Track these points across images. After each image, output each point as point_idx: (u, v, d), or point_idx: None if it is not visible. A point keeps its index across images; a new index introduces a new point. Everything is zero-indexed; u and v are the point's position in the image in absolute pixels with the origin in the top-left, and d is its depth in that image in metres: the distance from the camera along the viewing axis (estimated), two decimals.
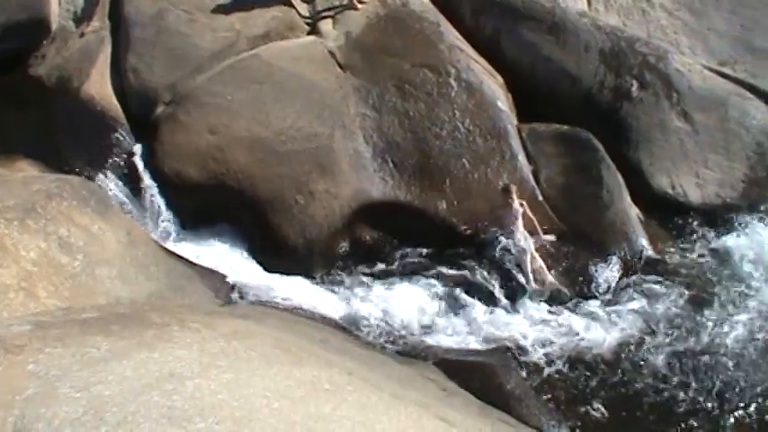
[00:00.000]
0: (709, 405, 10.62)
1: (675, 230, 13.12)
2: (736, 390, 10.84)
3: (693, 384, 10.86)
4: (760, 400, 10.71)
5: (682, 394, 10.74)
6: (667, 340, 11.44)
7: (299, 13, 14.90)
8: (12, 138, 12.88)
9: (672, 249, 12.86)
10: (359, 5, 14.79)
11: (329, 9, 14.99)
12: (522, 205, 12.34)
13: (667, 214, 13.29)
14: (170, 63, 13.78)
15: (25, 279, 8.76)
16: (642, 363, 11.13)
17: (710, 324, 11.69)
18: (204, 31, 14.23)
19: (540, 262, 12.19)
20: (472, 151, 13.14)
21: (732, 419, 10.46)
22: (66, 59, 13.88)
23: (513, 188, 12.37)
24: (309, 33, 14.77)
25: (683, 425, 10.39)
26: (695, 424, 10.41)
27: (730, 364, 11.14)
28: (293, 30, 14.83)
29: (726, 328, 11.62)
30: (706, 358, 11.21)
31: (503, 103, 13.82)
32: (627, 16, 14.92)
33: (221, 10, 14.55)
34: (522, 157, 13.28)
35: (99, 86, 13.55)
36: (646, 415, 10.54)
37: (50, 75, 13.72)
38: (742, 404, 10.65)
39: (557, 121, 13.84)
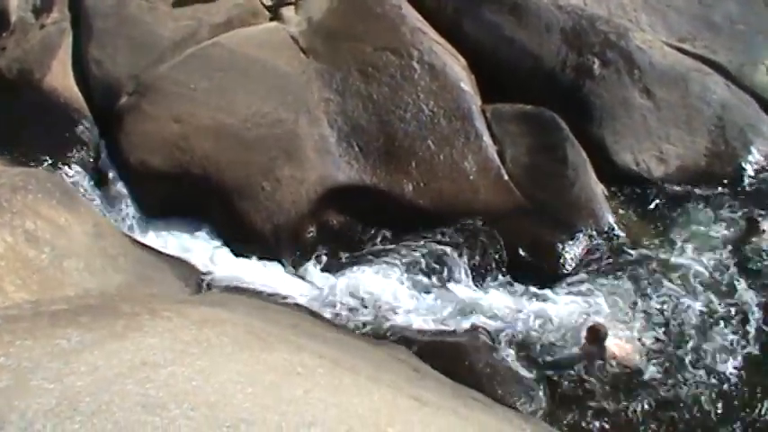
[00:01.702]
0: (675, 379, 10.75)
1: (640, 206, 13.22)
2: (699, 361, 10.98)
3: (660, 360, 10.98)
4: (722, 372, 10.87)
5: (649, 370, 10.87)
6: (634, 315, 11.53)
7: (262, 2, 14.86)
8: None
9: (637, 224, 12.96)
10: None
11: None
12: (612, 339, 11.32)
13: (632, 190, 13.40)
14: (132, 53, 13.71)
15: None
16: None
17: (676, 298, 11.79)
18: (166, 19, 14.15)
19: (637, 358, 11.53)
20: (437, 133, 13.16)
21: (697, 392, 10.61)
22: (27, 52, 13.78)
23: (602, 327, 11.20)
24: (272, 20, 14.73)
25: (649, 400, 10.51)
26: (661, 399, 10.54)
27: (695, 336, 11.27)
28: (255, 16, 14.80)
29: (691, 302, 11.73)
30: (674, 332, 11.32)
31: (466, 84, 13.82)
32: None
33: None
34: (486, 138, 13.29)
35: (61, 78, 13.49)
36: (613, 390, 10.65)
37: (11, 67, 13.62)
38: (707, 375, 10.81)
39: (520, 100, 13.85)
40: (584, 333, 11.11)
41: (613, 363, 10.91)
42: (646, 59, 14.08)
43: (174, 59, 13.67)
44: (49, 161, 12.60)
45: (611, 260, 12.35)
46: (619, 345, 11.05)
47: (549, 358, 11.07)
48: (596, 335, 10.92)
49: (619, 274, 12.14)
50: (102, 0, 14.26)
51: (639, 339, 11.32)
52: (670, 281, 12.06)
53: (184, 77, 13.36)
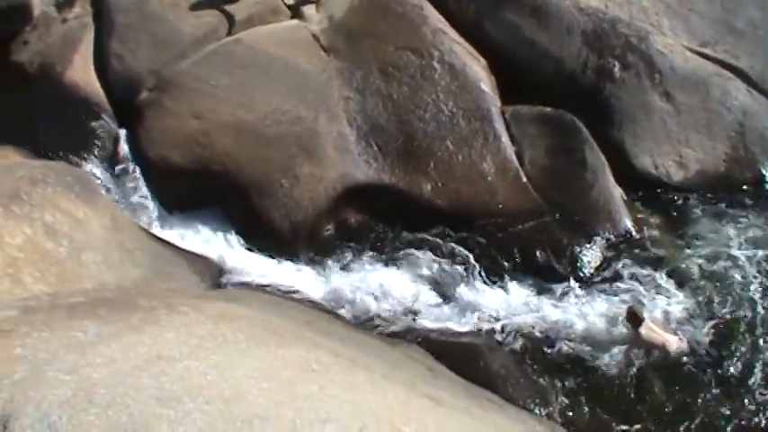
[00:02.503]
0: (696, 384, 10.75)
1: (659, 210, 13.19)
2: (719, 366, 10.98)
3: (679, 365, 10.96)
4: (741, 376, 10.85)
5: (666, 375, 10.84)
6: (652, 319, 11.48)
7: (284, 1, 14.88)
8: None
9: (655, 229, 12.92)
10: None
11: None
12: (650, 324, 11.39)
13: (650, 194, 13.37)
14: (153, 48, 13.72)
15: (11, 265, 8.78)
16: (623, 343, 11.18)
17: (694, 303, 11.75)
18: (187, 16, 14.18)
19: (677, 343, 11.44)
20: (456, 133, 13.15)
21: (716, 393, 10.62)
22: (49, 46, 13.80)
23: (639, 309, 11.45)
24: (293, 17, 14.74)
25: (666, 406, 10.50)
26: (679, 405, 10.52)
27: (714, 341, 11.24)
28: (276, 14, 14.79)
29: (710, 307, 11.70)
30: (694, 337, 11.29)
31: (486, 85, 13.81)
32: None
33: None
34: (505, 139, 13.28)
35: (82, 72, 13.51)
36: (628, 394, 10.63)
37: (33, 61, 13.65)
38: (725, 380, 10.81)
39: (540, 102, 13.83)
40: (622, 317, 11.34)
41: (648, 347, 11.10)
42: (667, 63, 14.02)
43: (194, 56, 13.68)
44: (69, 155, 12.64)
45: (627, 264, 12.30)
46: (655, 329, 11.12)
47: (584, 347, 11.12)
48: (635, 317, 11.11)
49: (636, 277, 12.09)
50: None
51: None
52: (688, 286, 12.02)
53: (205, 74, 13.37)
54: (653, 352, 11.00)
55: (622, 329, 11.28)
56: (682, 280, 12.08)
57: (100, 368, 5.91)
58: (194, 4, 14.31)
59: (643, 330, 11.06)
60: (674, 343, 11.13)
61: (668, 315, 11.59)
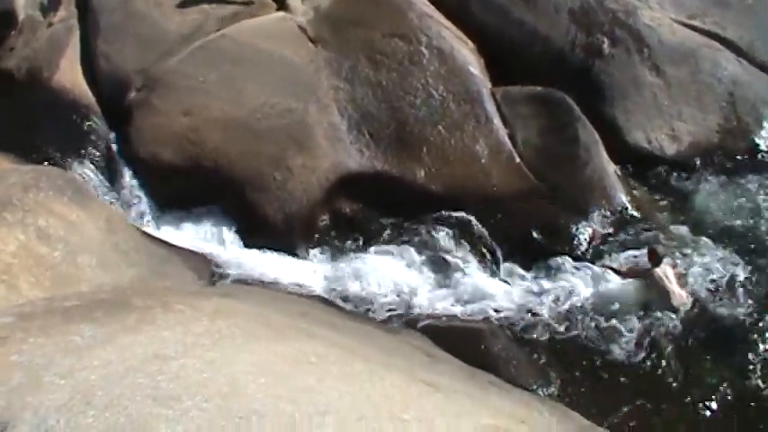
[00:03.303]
0: (692, 365, 10.77)
1: (653, 184, 13.19)
2: (713, 346, 11.02)
3: (674, 344, 10.96)
4: (740, 353, 10.90)
5: (664, 354, 10.85)
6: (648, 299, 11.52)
7: None
8: None
9: (651, 203, 12.93)
10: None
11: None
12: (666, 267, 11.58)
13: (644, 168, 13.37)
14: (140, 48, 13.78)
15: (6, 272, 8.76)
16: (624, 324, 11.18)
17: (694, 275, 11.75)
18: (172, 13, 14.22)
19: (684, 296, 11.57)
20: (447, 117, 13.15)
21: (709, 376, 10.65)
22: (35, 50, 13.85)
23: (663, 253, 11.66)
24: (278, 10, 14.72)
25: (663, 387, 10.51)
26: (674, 386, 10.53)
27: (711, 317, 11.26)
28: (262, 8, 14.84)
29: (707, 281, 11.69)
30: (690, 313, 11.29)
31: (475, 67, 13.81)
32: None
33: None
34: (497, 121, 13.28)
35: (70, 75, 13.55)
36: (630, 373, 10.64)
37: (20, 66, 13.69)
38: (721, 359, 10.83)
39: (530, 82, 13.83)
40: (644, 256, 11.60)
41: (654, 290, 11.33)
42: (655, 37, 14.03)
43: (181, 53, 13.70)
44: (60, 158, 12.64)
45: (624, 240, 12.31)
46: (669, 275, 11.31)
47: (584, 326, 11.18)
48: (655, 256, 11.35)
49: (634, 253, 12.07)
50: None
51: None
52: (686, 257, 12.00)
53: (193, 70, 13.39)
54: (656, 333, 11.01)
55: (623, 301, 11.31)
56: (680, 253, 12.05)
57: (96, 370, 5.89)
58: (180, 1, 14.30)
59: (658, 270, 11.27)
60: (678, 297, 11.26)
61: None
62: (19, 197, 9.75)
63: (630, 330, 11.06)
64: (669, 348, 10.88)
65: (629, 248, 12.21)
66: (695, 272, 11.83)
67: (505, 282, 11.87)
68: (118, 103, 13.33)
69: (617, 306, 11.36)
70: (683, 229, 12.51)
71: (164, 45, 13.78)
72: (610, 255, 12.20)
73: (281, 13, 14.58)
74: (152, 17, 14.15)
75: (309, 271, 12.02)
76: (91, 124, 13.17)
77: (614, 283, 11.67)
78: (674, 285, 11.26)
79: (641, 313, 11.29)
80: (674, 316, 11.15)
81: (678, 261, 11.86)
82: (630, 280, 11.58)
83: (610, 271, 11.80)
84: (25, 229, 9.40)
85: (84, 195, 10.78)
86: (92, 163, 12.81)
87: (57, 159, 12.61)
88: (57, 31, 14.17)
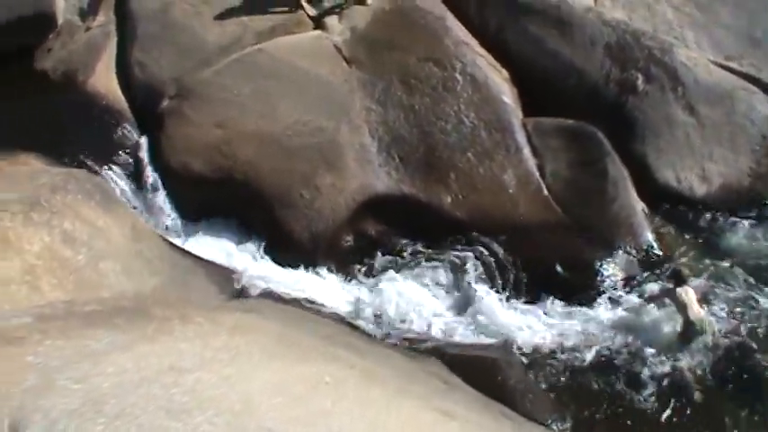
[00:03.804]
0: (714, 405, 10.67)
1: (681, 224, 13.05)
2: (738, 388, 10.88)
3: (697, 384, 10.86)
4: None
5: (686, 393, 10.76)
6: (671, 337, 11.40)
7: (307, 14, 14.89)
8: (17, 131, 12.86)
9: (677, 243, 12.80)
10: (368, 0, 14.79)
11: (337, 6, 14.97)
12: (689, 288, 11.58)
13: (673, 208, 13.22)
14: (176, 57, 13.86)
15: (29, 272, 8.80)
16: (645, 360, 11.09)
17: (715, 321, 11.61)
18: (211, 25, 14.31)
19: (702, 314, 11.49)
20: (477, 145, 13.11)
21: (735, 418, 10.51)
22: (72, 53, 13.96)
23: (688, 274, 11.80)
24: (315, 28, 14.76)
25: (683, 428, 10.40)
26: (696, 426, 10.42)
27: (735, 361, 11.13)
28: (299, 25, 14.84)
29: (731, 325, 11.55)
30: (711, 356, 11.17)
31: (507, 97, 13.78)
32: (633, 11, 14.84)
33: (228, 4, 14.57)
34: (527, 151, 13.22)
35: (104, 80, 13.63)
36: (647, 411, 10.55)
37: (56, 69, 13.79)
38: (747, 403, 10.69)
39: (562, 115, 13.75)
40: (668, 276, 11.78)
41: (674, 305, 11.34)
42: (690, 76, 13.90)
43: (217, 64, 13.75)
44: (90, 162, 12.65)
45: (648, 278, 12.20)
46: (690, 294, 11.26)
47: (602, 363, 11.10)
48: (679, 276, 11.45)
49: (656, 292, 11.97)
50: (146, 5, 14.50)
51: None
52: (708, 303, 11.84)
53: (228, 83, 13.44)
54: (678, 371, 10.93)
55: (645, 338, 11.26)
56: (703, 295, 11.92)
57: (111, 378, 5.90)
58: (219, 13, 14.37)
59: (680, 289, 11.25)
60: (696, 313, 11.18)
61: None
62: (47, 198, 9.82)
63: (651, 368, 10.98)
64: (691, 388, 10.80)
65: (651, 289, 12.08)
66: (720, 312, 11.69)
67: (526, 313, 11.78)
68: (150, 111, 13.39)
69: (638, 343, 11.27)
70: (710, 270, 12.37)
71: (201, 55, 13.86)
72: (632, 291, 12.08)
73: (317, 32, 14.62)
74: (191, 27, 14.23)
75: (332, 290, 12.01)
76: (122, 130, 13.21)
77: (636, 319, 11.59)
78: (693, 303, 11.20)
79: (663, 351, 11.20)
80: (698, 354, 11.07)
81: (701, 282, 11.90)
82: (651, 316, 11.51)
83: (632, 300, 11.75)
84: (51, 231, 9.45)
85: (111, 201, 10.84)
86: (121, 169, 12.84)
87: (86, 163, 12.62)
88: (94, 35, 14.29)
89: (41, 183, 10.22)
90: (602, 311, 11.77)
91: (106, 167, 12.68)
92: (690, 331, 11.15)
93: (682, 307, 11.17)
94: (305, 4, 14.94)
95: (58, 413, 5.41)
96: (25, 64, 13.88)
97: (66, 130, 13.09)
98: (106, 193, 10.99)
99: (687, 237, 12.91)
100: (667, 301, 11.48)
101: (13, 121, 13.03)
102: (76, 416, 5.40)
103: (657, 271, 12.33)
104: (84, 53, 13.92)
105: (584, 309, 11.79)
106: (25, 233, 9.18)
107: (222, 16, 14.48)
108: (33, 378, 5.77)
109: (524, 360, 11.05)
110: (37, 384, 5.70)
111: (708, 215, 13.14)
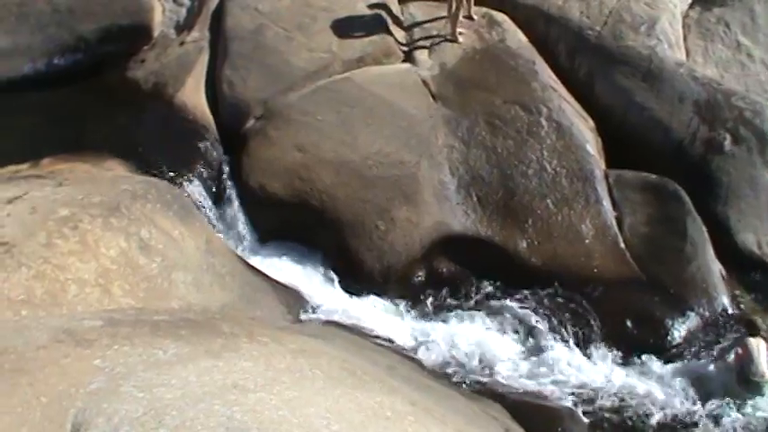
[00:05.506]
0: None
1: (759, 290, 12.81)
2: None
3: None
4: None
5: None
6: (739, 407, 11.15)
7: (397, 40, 14.97)
8: (104, 137, 13.06)
9: (754, 309, 12.53)
10: (460, 38, 14.84)
11: (427, 38, 15.05)
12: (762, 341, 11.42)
13: (751, 273, 13.01)
14: (264, 78, 13.97)
15: (103, 276, 8.92)
16: (709, 426, 10.85)
17: None
18: (301, 50, 14.42)
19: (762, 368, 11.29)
20: (557, 192, 13.05)
21: None
22: (164, 66, 14.19)
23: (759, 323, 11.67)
24: (404, 61, 14.84)
25: None
26: None
27: None
28: (389, 56, 14.94)
29: None
30: None
31: (592, 146, 13.72)
32: (725, 69, 14.73)
33: (319, 32, 14.69)
34: (606, 203, 13.13)
35: (193, 95, 13.80)
36: None
37: (147, 79, 14.01)
38: None
39: (645, 168, 13.69)
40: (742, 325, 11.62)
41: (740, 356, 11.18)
42: None
43: (304, 89, 13.87)
44: (171, 173, 12.75)
45: (721, 343, 11.93)
46: (761, 349, 11.08)
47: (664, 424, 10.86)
48: (753, 326, 11.31)
49: (727, 357, 11.71)
50: (241, 25, 14.68)
51: None
52: None
53: (312, 108, 13.54)
54: None
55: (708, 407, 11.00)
56: None
57: (174, 389, 5.88)
58: (310, 40, 14.50)
59: (752, 340, 11.09)
60: (762, 370, 10.98)
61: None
62: (127, 205, 9.95)
63: None
64: None
65: (724, 354, 11.82)
66: None
67: (593, 366, 11.60)
68: (235, 129, 13.53)
69: (705, 407, 11.01)
70: None
71: (288, 79, 13.97)
72: (702, 353, 11.85)
73: (406, 65, 14.71)
74: (280, 51, 14.37)
75: (399, 323, 11.93)
76: (206, 145, 13.33)
77: (704, 382, 11.34)
78: (762, 357, 11.00)
79: (729, 413, 10.94)
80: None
81: None
82: (720, 379, 11.29)
83: (702, 362, 11.57)
84: (128, 237, 9.57)
85: (188, 213, 10.93)
86: (201, 183, 12.93)
87: (168, 173, 12.74)
88: (187, 50, 14.52)
89: (123, 189, 10.35)
90: (671, 371, 11.52)
91: (186, 180, 12.78)
92: (753, 386, 10.93)
93: (749, 358, 10.97)
94: (394, 30, 15.00)
95: (120, 419, 5.41)
96: (118, 72, 14.17)
97: (152, 140, 13.23)
98: (184, 204, 11.08)
99: (765, 303, 12.64)
100: (736, 359, 11.24)
101: (101, 127, 13.26)
102: (138, 424, 5.39)
103: (730, 335, 12.07)
104: (175, 67, 14.15)
105: (652, 367, 11.57)
106: (103, 237, 9.31)
107: (312, 43, 14.60)
108: (99, 381, 5.79)
109: (585, 413, 10.87)
110: (102, 388, 5.72)
111: None
